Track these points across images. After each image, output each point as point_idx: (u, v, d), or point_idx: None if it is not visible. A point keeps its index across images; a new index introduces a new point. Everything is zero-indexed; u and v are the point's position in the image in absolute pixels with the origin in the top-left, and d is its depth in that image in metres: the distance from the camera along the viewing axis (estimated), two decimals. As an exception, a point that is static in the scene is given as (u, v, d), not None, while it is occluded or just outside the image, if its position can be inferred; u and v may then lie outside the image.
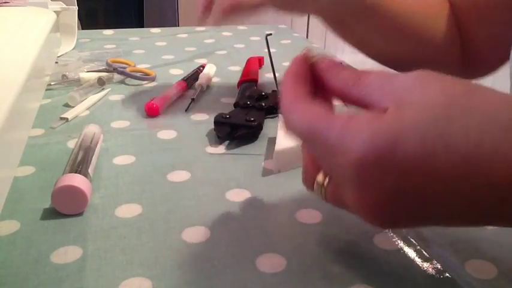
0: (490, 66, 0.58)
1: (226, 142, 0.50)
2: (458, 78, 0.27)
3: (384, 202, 0.26)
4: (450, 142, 0.24)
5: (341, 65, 0.31)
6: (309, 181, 0.33)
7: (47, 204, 0.39)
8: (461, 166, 0.24)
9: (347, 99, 0.30)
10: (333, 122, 0.27)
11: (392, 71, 0.46)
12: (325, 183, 0.32)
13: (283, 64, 0.75)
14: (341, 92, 0.30)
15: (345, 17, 0.51)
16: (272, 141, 0.50)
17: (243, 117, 0.51)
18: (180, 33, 0.91)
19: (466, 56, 0.57)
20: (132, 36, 0.87)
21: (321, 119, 0.28)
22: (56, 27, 0.69)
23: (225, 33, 0.91)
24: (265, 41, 0.43)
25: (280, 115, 0.31)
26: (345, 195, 0.29)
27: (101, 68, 0.68)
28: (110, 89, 0.64)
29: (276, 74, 0.60)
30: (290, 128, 0.30)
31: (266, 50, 0.57)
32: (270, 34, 0.46)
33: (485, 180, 0.24)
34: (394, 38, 0.54)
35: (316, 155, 0.31)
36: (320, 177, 0.32)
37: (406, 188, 0.25)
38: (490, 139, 0.24)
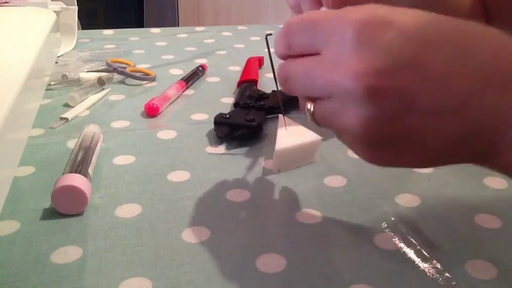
0: None
1: (226, 142, 0.50)
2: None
3: (379, 63, 0.27)
4: (441, 18, 0.28)
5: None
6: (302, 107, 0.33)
7: (47, 204, 0.39)
8: (454, 39, 0.27)
9: None
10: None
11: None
12: (311, 107, 0.31)
13: (283, 64, 0.75)
14: None
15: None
16: (272, 141, 0.50)
17: (243, 117, 0.51)
18: (180, 33, 0.91)
19: None
20: (132, 36, 0.87)
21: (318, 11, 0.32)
22: (56, 27, 0.69)
23: (225, 33, 0.91)
24: (265, 41, 0.43)
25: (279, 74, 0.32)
26: (340, 69, 0.28)
27: (101, 68, 0.68)
28: (110, 89, 0.64)
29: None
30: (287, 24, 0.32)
31: (266, 50, 0.57)
32: (270, 34, 0.46)
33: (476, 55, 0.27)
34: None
35: (311, 43, 0.30)
36: (308, 104, 0.32)
37: (403, 53, 0.26)
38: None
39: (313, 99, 0.31)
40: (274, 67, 0.47)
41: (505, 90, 0.26)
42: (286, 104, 0.59)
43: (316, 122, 0.32)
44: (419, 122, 0.27)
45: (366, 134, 0.28)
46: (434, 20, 0.28)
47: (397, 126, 0.28)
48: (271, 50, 0.49)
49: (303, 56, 0.31)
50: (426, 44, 0.27)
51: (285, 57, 0.33)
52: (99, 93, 0.61)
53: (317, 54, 0.30)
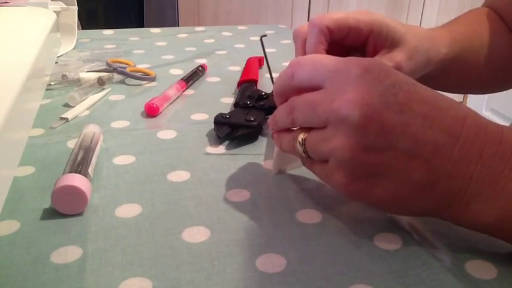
0: None
1: (226, 142, 0.50)
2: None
3: (375, 100, 0.31)
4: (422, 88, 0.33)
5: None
6: (291, 146, 0.38)
7: (47, 204, 0.39)
8: (433, 99, 0.32)
9: None
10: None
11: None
12: (304, 137, 0.36)
13: (283, 64, 0.75)
14: None
15: (433, 73, 0.53)
16: (272, 141, 0.50)
17: (243, 117, 0.51)
18: (180, 33, 0.91)
19: None
20: (132, 36, 0.87)
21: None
22: (56, 27, 0.69)
23: (225, 33, 0.91)
24: (260, 43, 0.43)
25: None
26: (339, 99, 0.32)
27: (101, 68, 0.68)
28: (110, 89, 0.64)
29: (276, 75, 0.60)
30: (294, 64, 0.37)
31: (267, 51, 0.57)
32: (265, 35, 0.46)
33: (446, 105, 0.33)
34: (471, 77, 0.59)
35: (314, 77, 0.35)
36: (300, 135, 0.36)
37: (395, 99, 0.31)
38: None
39: (307, 130, 0.36)
40: (275, 67, 0.48)
41: (470, 146, 0.31)
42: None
43: (305, 150, 0.36)
44: (395, 161, 0.32)
45: (350, 157, 0.32)
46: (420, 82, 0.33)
47: (376, 159, 0.32)
48: (271, 50, 0.48)
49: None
50: (412, 98, 0.32)
51: (283, 90, 0.38)
52: (99, 93, 0.61)
53: (319, 89, 0.34)
